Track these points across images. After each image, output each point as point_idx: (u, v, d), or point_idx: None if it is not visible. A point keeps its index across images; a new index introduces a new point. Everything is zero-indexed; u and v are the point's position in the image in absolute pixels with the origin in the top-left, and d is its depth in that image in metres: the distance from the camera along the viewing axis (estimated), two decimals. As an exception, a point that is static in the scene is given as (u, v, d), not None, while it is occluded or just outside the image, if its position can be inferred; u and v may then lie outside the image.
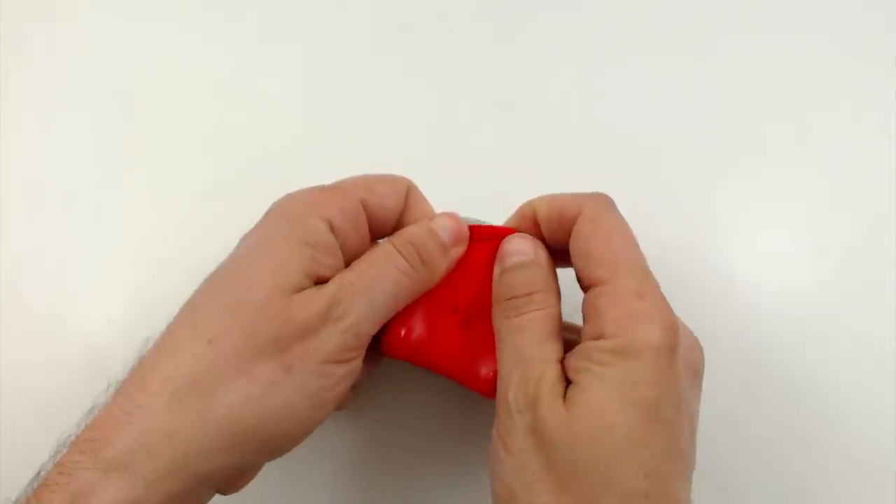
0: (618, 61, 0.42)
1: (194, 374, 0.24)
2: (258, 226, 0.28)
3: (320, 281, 0.26)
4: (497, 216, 0.38)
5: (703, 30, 0.43)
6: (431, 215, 0.30)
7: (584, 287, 0.26)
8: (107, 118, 0.41)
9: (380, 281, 0.27)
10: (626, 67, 0.42)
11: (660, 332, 0.24)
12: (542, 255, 0.28)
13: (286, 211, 0.27)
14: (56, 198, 0.40)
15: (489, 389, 0.28)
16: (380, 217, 0.28)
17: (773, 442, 0.36)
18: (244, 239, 0.28)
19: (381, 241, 0.30)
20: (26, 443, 0.36)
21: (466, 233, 0.29)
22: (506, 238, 0.29)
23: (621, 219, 0.27)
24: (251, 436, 0.24)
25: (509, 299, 0.27)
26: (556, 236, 0.28)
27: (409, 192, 0.30)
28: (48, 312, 0.38)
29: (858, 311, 0.37)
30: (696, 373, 0.26)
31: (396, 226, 0.30)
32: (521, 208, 0.30)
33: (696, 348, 0.27)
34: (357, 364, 0.27)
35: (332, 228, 0.26)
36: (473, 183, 0.40)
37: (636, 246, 0.26)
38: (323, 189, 0.28)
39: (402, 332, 0.29)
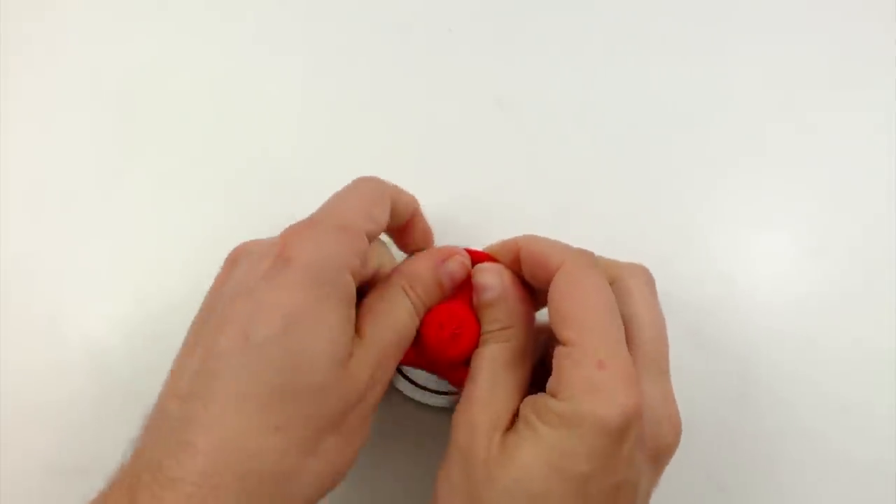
0: (617, 61, 0.42)
1: (270, 467, 0.23)
2: (281, 278, 0.25)
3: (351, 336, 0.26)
4: (496, 216, 0.39)
5: (703, 30, 0.43)
6: (442, 253, 0.30)
7: (558, 339, 0.26)
8: (107, 118, 0.41)
9: (404, 338, 0.28)
10: (626, 67, 0.42)
11: (611, 409, 0.23)
12: (509, 286, 0.29)
13: (314, 265, 0.25)
14: (56, 198, 0.40)
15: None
16: (374, 236, 0.29)
17: (772, 442, 0.36)
18: (264, 287, 0.25)
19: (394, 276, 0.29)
20: (27, 444, 0.36)
21: (465, 276, 0.30)
22: (475, 269, 0.30)
23: (599, 280, 0.27)
24: (315, 501, 0.25)
25: (482, 334, 0.29)
26: (534, 281, 0.29)
27: (391, 197, 0.30)
28: (48, 313, 0.38)
29: (858, 312, 0.37)
30: (658, 453, 0.26)
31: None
32: (506, 243, 0.30)
33: (666, 426, 0.26)
34: None
35: (353, 275, 0.26)
36: (473, 182, 0.40)
37: (611, 311, 0.26)
38: (340, 231, 0.26)
39: None
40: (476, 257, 0.30)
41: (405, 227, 0.32)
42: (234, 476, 0.22)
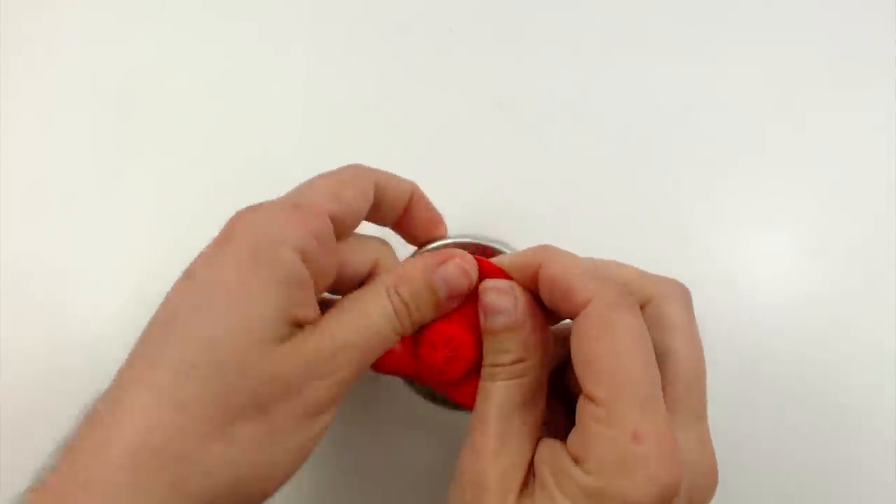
0: (618, 61, 0.42)
1: (163, 444, 0.21)
2: (218, 256, 0.23)
3: (298, 322, 0.23)
4: (496, 215, 0.38)
5: (703, 30, 0.43)
6: (441, 256, 0.26)
7: (581, 388, 0.22)
8: (107, 118, 0.41)
9: (372, 340, 0.24)
10: (626, 67, 0.42)
11: (648, 490, 0.20)
12: (525, 312, 0.25)
13: (253, 242, 0.23)
14: (56, 198, 0.40)
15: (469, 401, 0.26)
16: (348, 222, 0.26)
17: (773, 441, 0.36)
18: (201, 266, 0.24)
19: (379, 277, 0.27)
20: (26, 442, 0.36)
21: (468, 288, 0.26)
22: (482, 286, 0.26)
23: (634, 324, 0.22)
24: (229, 499, 0.22)
25: (487, 366, 0.25)
26: (553, 307, 0.25)
27: (377, 183, 0.27)
28: (48, 312, 0.38)
29: (858, 311, 0.37)
30: None
31: (375, 209, 0.28)
32: (523, 257, 0.26)
33: (703, 479, 0.23)
34: (338, 408, 0.24)
35: (304, 258, 0.23)
36: (473, 183, 0.40)
37: (647, 362, 0.22)
38: (291, 209, 0.24)
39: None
40: (485, 270, 0.26)
41: (404, 217, 0.29)
42: (127, 450, 0.21)
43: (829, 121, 0.41)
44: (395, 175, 0.28)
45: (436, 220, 0.30)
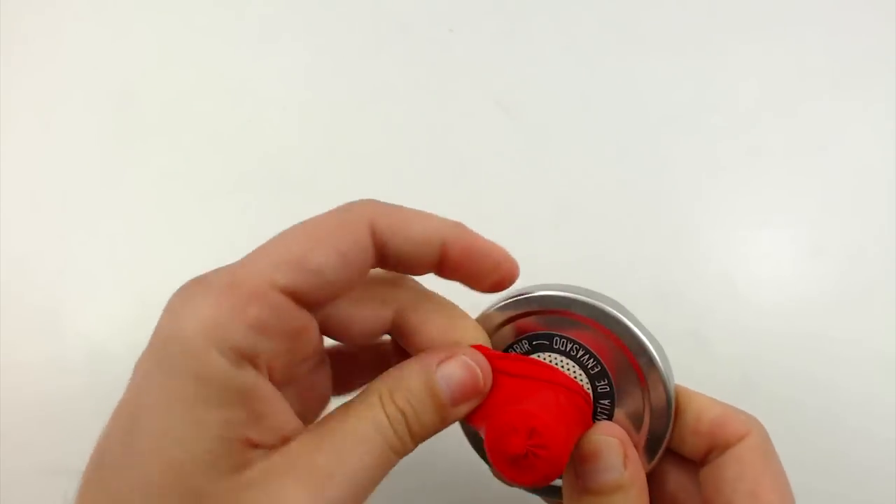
0: (618, 61, 0.42)
1: None
2: (145, 370, 0.19)
3: (254, 445, 0.19)
4: (495, 216, 0.38)
5: (703, 30, 0.43)
6: (440, 353, 0.21)
7: None
8: (107, 118, 0.41)
9: (366, 463, 0.19)
10: (627, 67, 0.42)
11: None
12: (634, 469, 0.21)
13: (174, 350, 0.18)
14: (56, 198, 0.40)
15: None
16: (322, 294, 0.20)
17: (773, 442, 0.36)
18: (130, 390, 0.20)
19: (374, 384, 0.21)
20: (26, 442, 0.36)
21: (483, 384, 0.21)
22: (585, 436, 0.21)
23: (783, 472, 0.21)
24: None
25: None
26: (687, 439, 0.23)
27: (378, 229, 0.21)
28: (48, 313, 0.38)
29: (858, 312, 0.37)
30: None
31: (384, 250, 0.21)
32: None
33: None
34: None
35: (242, 357, 0.18)
36: (473, 183, 0.40)
37: None
38: (223, 293, 0.19)
39: None
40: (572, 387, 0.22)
41: (442, 269, 0.22)
42: None
43: (828, 120, 0.41)
44: (419, 214, 0.21)
45: (483, 259, 0.23)
